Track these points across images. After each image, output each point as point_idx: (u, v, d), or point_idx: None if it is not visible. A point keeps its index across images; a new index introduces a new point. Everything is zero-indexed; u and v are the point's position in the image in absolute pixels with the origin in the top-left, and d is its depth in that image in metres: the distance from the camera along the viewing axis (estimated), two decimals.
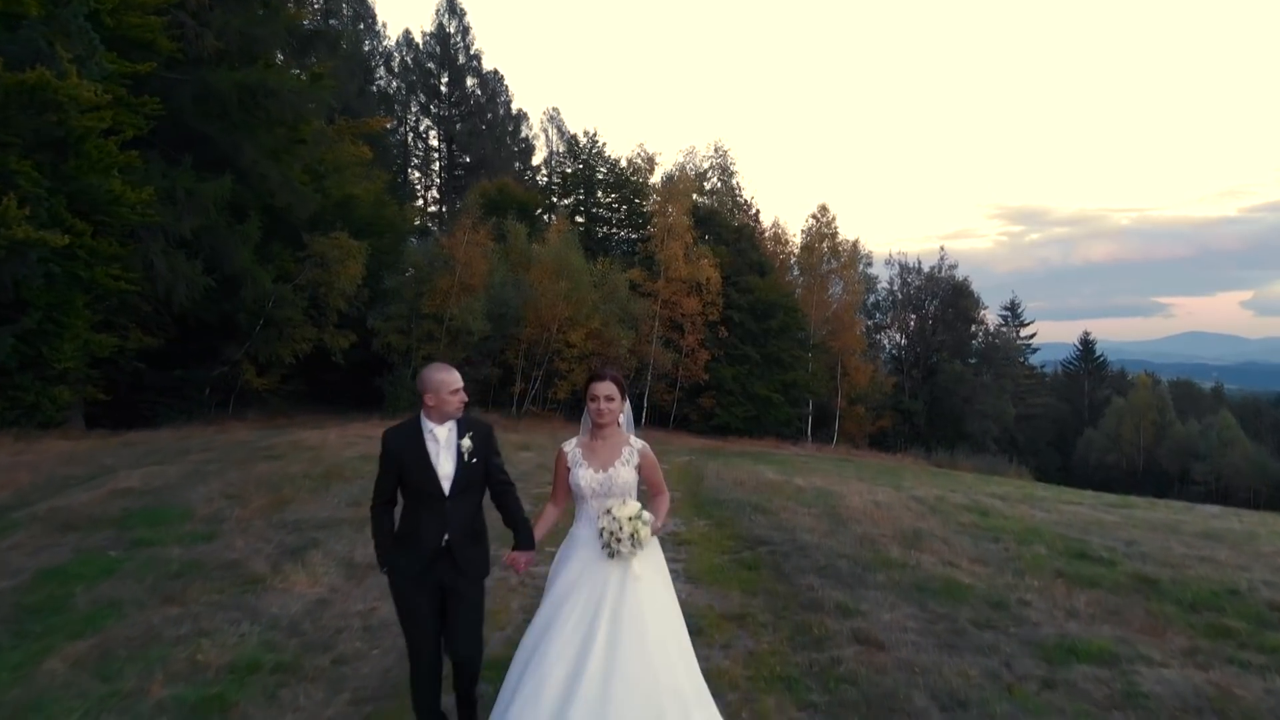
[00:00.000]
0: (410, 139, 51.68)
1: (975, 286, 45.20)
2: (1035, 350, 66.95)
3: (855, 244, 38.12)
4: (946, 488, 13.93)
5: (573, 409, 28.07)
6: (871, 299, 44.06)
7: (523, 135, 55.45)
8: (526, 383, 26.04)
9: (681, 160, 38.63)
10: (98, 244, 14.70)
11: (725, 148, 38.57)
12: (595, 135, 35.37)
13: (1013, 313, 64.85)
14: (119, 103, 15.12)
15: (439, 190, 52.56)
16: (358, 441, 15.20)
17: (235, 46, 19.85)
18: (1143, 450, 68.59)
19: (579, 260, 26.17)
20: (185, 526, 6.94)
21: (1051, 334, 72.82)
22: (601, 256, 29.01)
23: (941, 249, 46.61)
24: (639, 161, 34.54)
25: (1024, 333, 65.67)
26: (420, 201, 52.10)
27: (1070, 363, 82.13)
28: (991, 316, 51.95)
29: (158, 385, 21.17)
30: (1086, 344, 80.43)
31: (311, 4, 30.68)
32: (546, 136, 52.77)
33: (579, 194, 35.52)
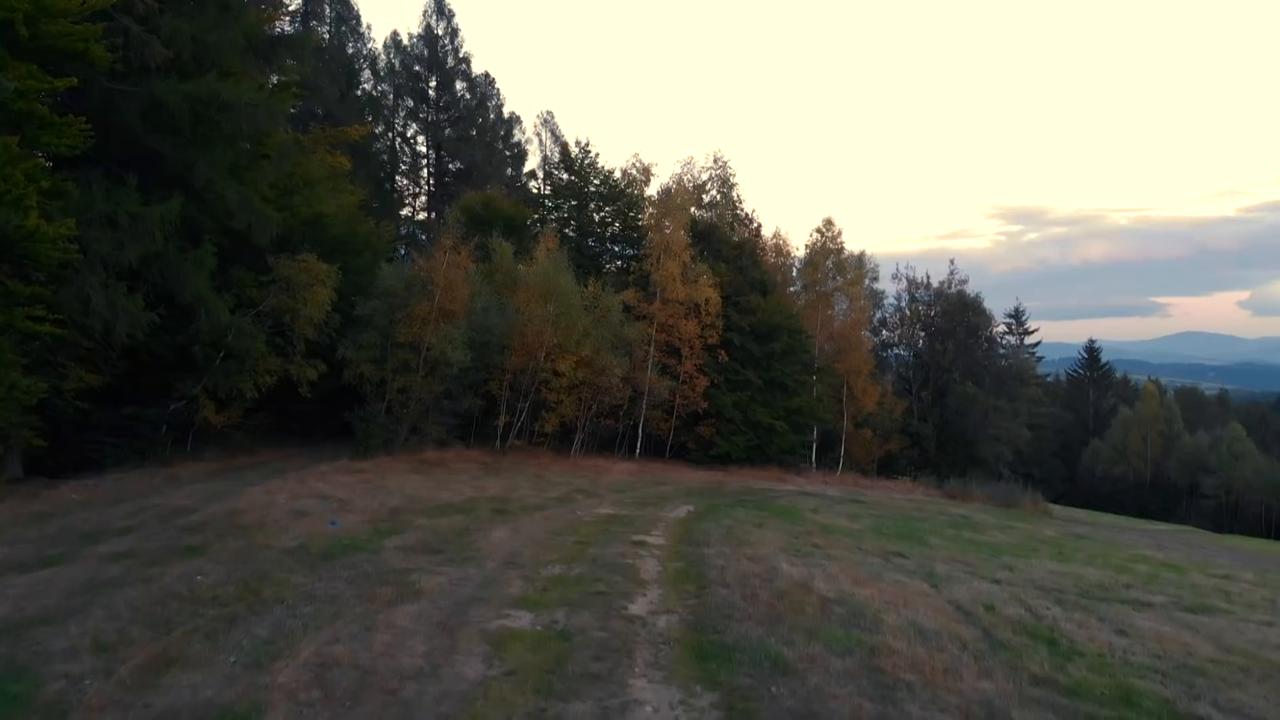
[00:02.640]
0: (398, 145, 49.88)
1: (974, 287, 43.41)
2: (1040, 359, 65.41)
3: (861, 257, 36.38)
4: (983, 570, 12.18)
5: (562, 441, 26.24)
6: (878, 315, 42.26)
7: (515, 140, 53.74)
8: (512, 415, 24.21)
9: (679, 171, 36.88)
10: (12, 285, 12.87)
11: (725, 158, 36.67)
12: (588, 145, 33.51)
13: (1017, 320, 63.42)
14: (40, 123, 13.31)
15: (427, 197, 50.81)
16: (309, 508, 13.43)
17: (188, 55, 18.05)
18: (1150, 462, 66.96)
19: (568, 282, 24.32)
20: None
21: (1050, 334, 71.84)
22: (593, 276, 27.14)
23: (952, 263, 44.77)
24: (634, 173, 32.70)
25: (1028, 341, 64.23)
26: (408, 210, 50.34)
27: (1075, 370, 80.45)
28: (996, 326, 50.22)
29: (107, 425, 19.38)
30: (1091, 351, 78.74)
31: (285, 6, 28.75)
32: (540, 141, 51.01)
33: (571, 204, 33.69)
